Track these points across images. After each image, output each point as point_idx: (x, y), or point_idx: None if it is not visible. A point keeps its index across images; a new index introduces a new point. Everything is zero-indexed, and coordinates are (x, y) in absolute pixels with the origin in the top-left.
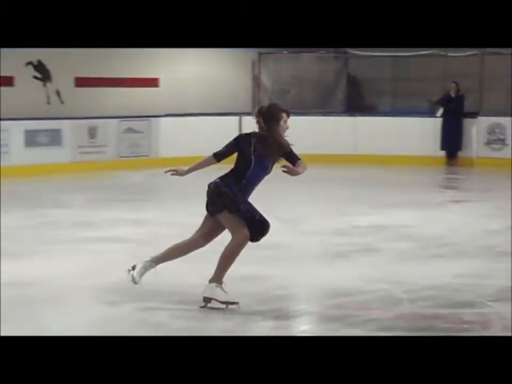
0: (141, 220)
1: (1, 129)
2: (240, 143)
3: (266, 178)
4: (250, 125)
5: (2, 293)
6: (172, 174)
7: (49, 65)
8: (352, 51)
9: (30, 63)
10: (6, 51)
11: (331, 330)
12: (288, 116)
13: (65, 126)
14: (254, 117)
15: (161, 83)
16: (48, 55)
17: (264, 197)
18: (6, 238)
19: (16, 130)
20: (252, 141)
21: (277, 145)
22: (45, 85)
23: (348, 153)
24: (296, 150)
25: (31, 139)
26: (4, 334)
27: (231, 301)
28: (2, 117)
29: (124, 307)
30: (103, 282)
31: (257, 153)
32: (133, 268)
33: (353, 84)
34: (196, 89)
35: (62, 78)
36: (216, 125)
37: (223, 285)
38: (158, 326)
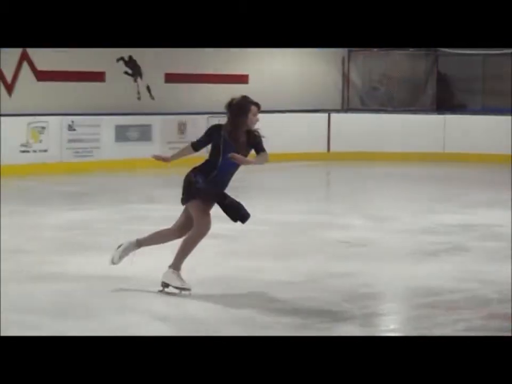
0: None
1: (92, 124)
2: (211, 135)
3: (357, 177)
4: (340, 121)
5: (92, 286)
6: (158, 159)
7: (140, 61)
8: (442, 48)
9: (121, 58)
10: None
11: (420, 330)
12: (258, 108)
13: (155, 121)
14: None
15: (250, 80)
16: (139, 51)
17: (354, 195)
18: (96, 232)
19: (107, 126)
20: (222, 133)
21: (244, 138)
22: (135, 81)
23: (437, 151)
24: (385, 147)
25: (122, 134)
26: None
27: (185, 287)
28: (93, 112)
29: (213, 302)
30: (196, 278)
31: (226, 145)
32: (119, 246)
33: (443, 81)
34: (285, 86)
35: (153, 74)
36: (306, 122)
37: (180, 271)
38: (249, 320)
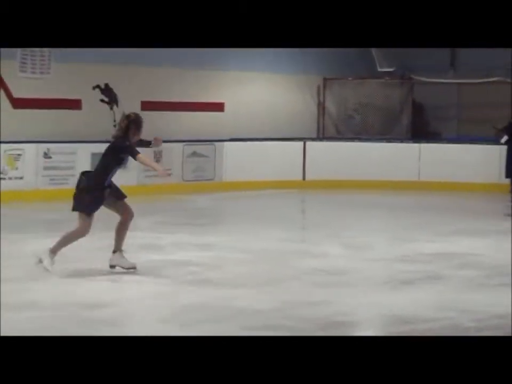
0: (206, 244)
1: (68, 151)
2: None
3: (333, 205)
4: (315, 149)
5: (71, 314)
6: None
7: (116, 89)
8: (417, 77)
9: (97, 86)
10: (74, 73)
11: None
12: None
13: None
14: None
15: (226, 107)
16: (115, 79)
17: (329, 224)
18: (73, 259)
19: (83, 153)
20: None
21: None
22: (111, 109)
23: (412, 179)
24: (361, 175)
25: (97, 162)
26: None
27: (131, 266)
28: (69, 139)
29: (195, 329)
30: (173, 305)
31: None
32: (40, 261)
33: (418, 110)
34: (261, 114)
35: (129, 102)
36: (281, 150)
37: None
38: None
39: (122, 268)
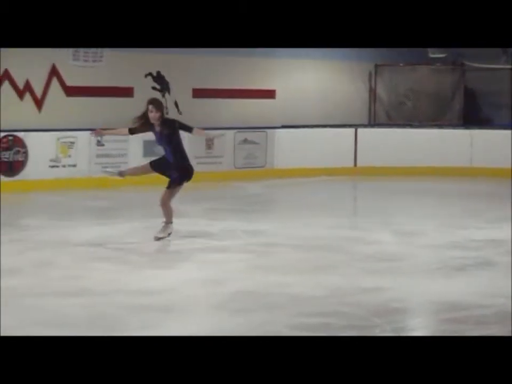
0: (257, 230)
1: (120, 139)
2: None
3: (384, 192)
4: (366, 136)
5: (127, 302)
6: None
7: (168, 77)
8: (469, 63)
9: (149, 74)
10: (126, 61)
11: None
12: (152, 103)
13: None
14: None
15: (277, 94)
16: (167, 66)
17: (381, 210)
18: (124, 246)
19: (135, 141)
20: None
21: (160, 129)
22: (163, 96)
23: (464, 166)
24: (412, 162)
25: (149, 149)
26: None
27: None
28: (124, 127)
29: (242, 316)
30: (224, 292)
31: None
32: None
33: (470, 96)
34: (312, 101)
35: (180, 89)
36: (332, 137)
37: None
38: (277, 333)
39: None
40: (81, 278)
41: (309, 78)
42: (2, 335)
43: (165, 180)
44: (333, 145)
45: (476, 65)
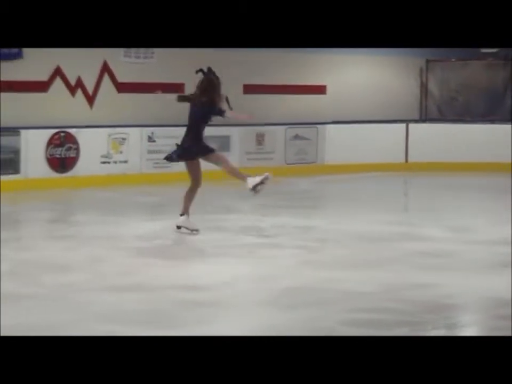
0: (308, 226)
1: (172, 135)
2: None
3: (436, 187)
4: (418, 132)
5: (181, 297)
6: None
7: (219, 73)
8: None
9: (200, 70)
10: (177, 58)
11: None
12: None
13: (233, 132)
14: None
15: (328, 90)
16: (218, 63)
17: (432, 206)
18: (175, 242)
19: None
20: None
21: None
22: None
23: None
24: (464, 157)
25: None
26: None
27: (195, 229)
28: (173, 123)
29: (298, 311)
30: (275, 287)
31: None
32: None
33: None
34: (363, 96)
35: (231, 85)
36: (383, 132)
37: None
38: (329, 332)
39: (187, 229)
40: (134, 274)
41: (360, 73)
42: (64, 330)
43: (212, 175)
44: (384, 140)
45: None
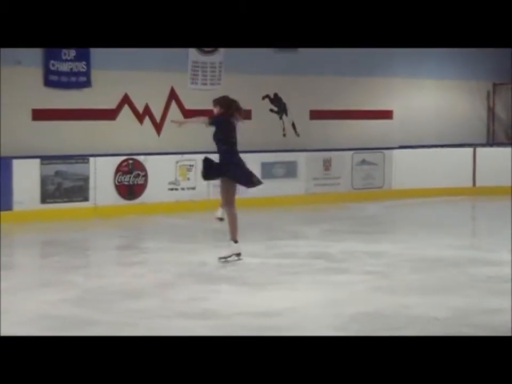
0: (376, 251)
1: None
2: None
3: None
4: (485, 155)
5: (250, 323)
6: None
7: (285, 99)
8: None
9: (266, 96)
10: (243, 84)
11: None
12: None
13: (300, 158)
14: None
15: (394, 115)
16: (284, 88)
17: (501, 230)
18: (246, 268)
19: (253, 163)
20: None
21: None
22: (281, 118)
23: None
24: None
25: (268, 171)
26: None
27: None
28: (240, 149)
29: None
30: (344, 313)
31: None
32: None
33: None
34: (430, 121)
35: (298, 111)
36: (451, 157)
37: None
38: None
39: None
40: (203, 300)
41: (426, 97)
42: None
43: (283, 202)
44: (451, 165)
45: None
